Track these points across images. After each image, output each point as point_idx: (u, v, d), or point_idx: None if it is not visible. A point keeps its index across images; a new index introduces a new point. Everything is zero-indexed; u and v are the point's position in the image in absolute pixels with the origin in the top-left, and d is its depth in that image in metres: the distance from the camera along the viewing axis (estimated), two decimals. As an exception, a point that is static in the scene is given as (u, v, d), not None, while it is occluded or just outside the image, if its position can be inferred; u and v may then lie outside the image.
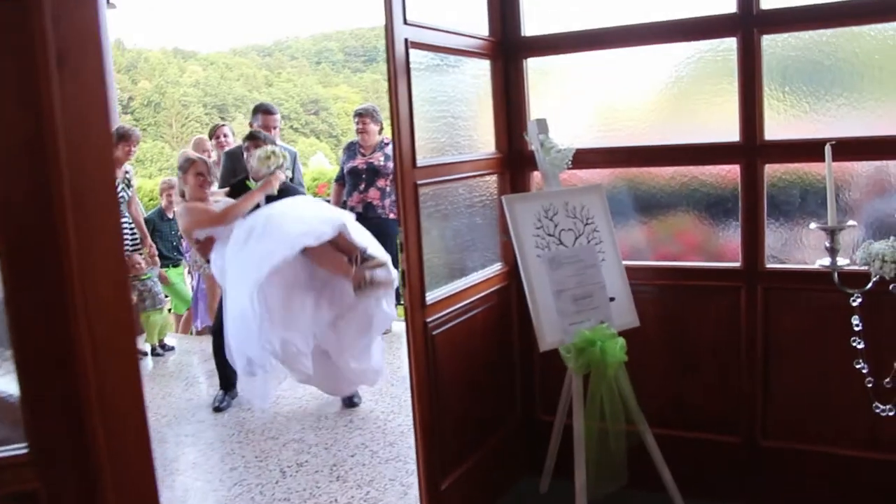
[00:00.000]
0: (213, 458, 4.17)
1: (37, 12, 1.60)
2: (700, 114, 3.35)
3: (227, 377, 4.94)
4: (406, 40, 2.87)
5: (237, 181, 4.92)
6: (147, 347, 6.33)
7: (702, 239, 3.42)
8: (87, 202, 1.69)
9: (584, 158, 3.35)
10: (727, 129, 3.19)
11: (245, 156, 4.84)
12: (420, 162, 2.97)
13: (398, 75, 2.83)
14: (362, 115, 6.11)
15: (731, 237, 3.31)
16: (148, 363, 6.13)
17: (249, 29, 72.51)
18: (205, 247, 4.55)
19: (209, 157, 5.98)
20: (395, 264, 6.05)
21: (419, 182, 2.97)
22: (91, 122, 1.69)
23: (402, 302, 6.16)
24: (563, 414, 3.29)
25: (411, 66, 2.91)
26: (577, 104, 3.58)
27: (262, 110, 5.61)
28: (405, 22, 2.86)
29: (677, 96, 3.36)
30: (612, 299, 3.15)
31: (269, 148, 4.64)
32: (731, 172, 3.25)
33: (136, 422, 1.83)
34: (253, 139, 4.85)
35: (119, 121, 7.03)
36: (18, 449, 1.69)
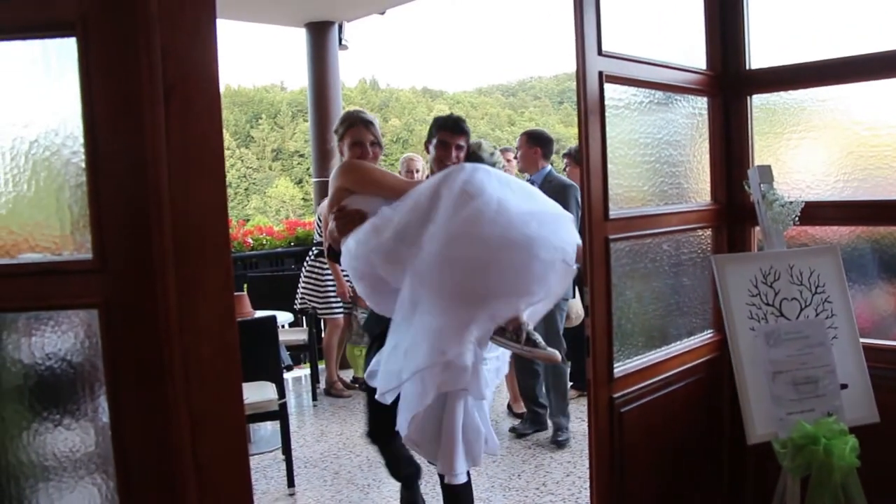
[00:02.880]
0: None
1: (145, 47, 1.48)
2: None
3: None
4: (601, 73, 2.53)
5: None
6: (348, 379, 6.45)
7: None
8: (191, 254, 1.54)
9: (816, 213, 2.83)
10: None
11: None
12: (613, 213, 2.61)
13: (589, 113, 2.51)
14: (567, 156, 5.80)
15: None
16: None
17: (495, 69, 74.83)
18: (348, 222, 2.96)
19: (420, 174, 5.80)
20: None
21: (611, 237, 2.61)
22: (200, 159, 1.55)
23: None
24: (774, 521, 2.73)
25: (607, 103, 2.57)
26: (809, 149, 3.03)
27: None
28: (600, 52, 2.53)
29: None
30: (844, 386, 2.59)
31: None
32: None
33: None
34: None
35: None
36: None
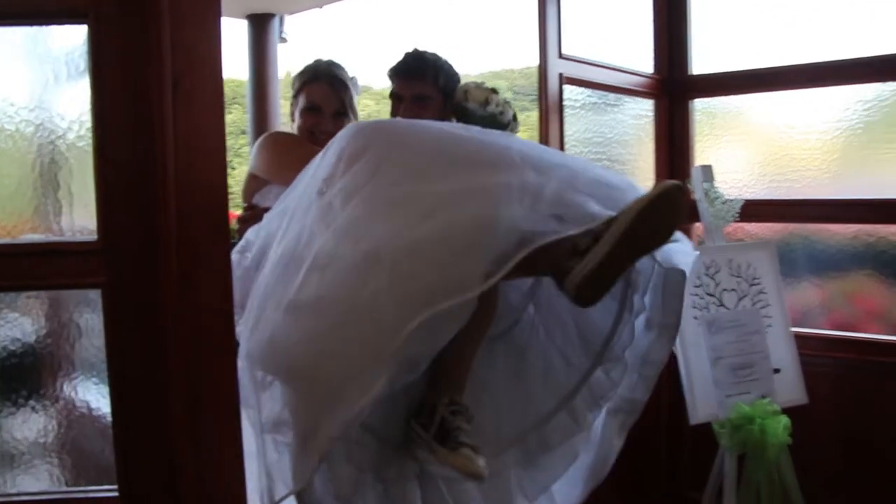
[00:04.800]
0: None
1: (156, 39, 1.54)
2: (890, 165, 2.95)
3: None
4: (560, 75, 2.68)
5: None
6: None
7: (885, 305, 3.00)
8: (193, 232, 1.61)
9: (754, 211, 3.02)
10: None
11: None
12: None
13: (550, 112, 2.66)
14: None
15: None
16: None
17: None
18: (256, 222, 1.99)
19: None
20: None
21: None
22: (204, 147, 1.62)
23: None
24: (712, 497, 2.92)
25: (565, 103, 2.72)
26: (747, 151, 3.25)
27: None
28: (560, 55, 2.68)
29: (866, 144, 2.97)
30: (776, 371, 2.79)
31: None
32: (928, 233, 2.83)
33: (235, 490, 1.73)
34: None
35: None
36: (109, 491, 1.63)
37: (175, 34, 1.55)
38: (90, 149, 1.56)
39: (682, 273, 1.91)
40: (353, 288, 1.54)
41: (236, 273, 1.78)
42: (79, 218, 1.65)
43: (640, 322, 2.01)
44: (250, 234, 1.94)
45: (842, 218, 3.02)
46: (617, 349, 2.01)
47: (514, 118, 2.29)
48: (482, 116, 2.23)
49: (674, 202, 1.60)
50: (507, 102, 2.29)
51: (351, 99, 2.25)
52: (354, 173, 1.67)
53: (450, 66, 2.29)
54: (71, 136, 1.59)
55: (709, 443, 2.86)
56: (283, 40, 7.90)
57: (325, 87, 2.19)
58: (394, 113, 2.27)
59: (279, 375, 1.69)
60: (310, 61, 2.25)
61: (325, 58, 2.27)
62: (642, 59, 3.20)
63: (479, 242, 1.52)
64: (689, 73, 3.25)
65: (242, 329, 1.77)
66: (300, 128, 2.18)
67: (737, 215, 2.91)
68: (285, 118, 3.29)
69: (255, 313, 1.74)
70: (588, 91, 2.89)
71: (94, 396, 1.71)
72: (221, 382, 1.66)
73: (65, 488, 1.65)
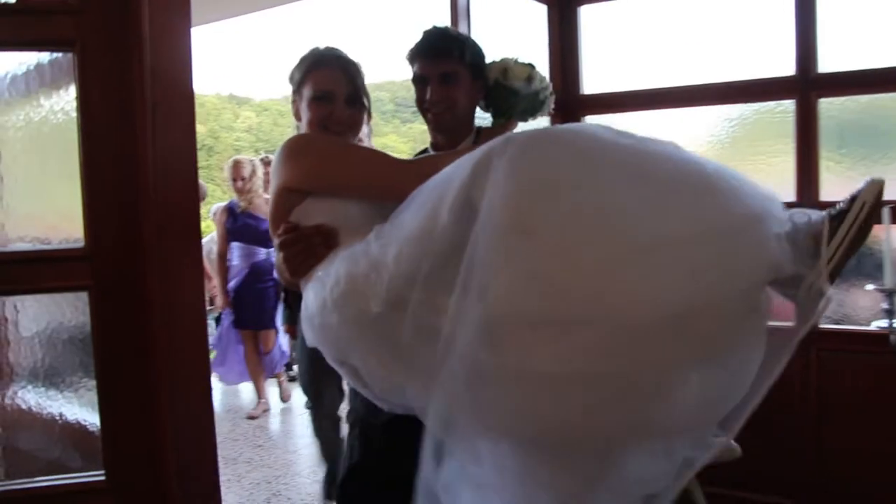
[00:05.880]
0: None
1: (138, 66, 1.73)
2: (757, 173, 3.38)
3: None
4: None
5: None
6: None
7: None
8: (171, 237, 1.80)
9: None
10: (784, 190, 3.22)
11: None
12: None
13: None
14: None
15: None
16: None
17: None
18: (305, 252, 1.70)
19: (247, 180, 5.36)
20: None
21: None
22: (179, 164, 1.82)
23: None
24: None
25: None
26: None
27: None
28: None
29: (734, 156, 3.40)
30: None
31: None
32: (787, 234, 3.27)
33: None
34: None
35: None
36: (96, 476, 1.78)
37: (154, 63, 1.75)
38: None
39: None
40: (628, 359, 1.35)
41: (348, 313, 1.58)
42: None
43: None
44: (343, 265, 1.62)
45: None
46: None
47: (552, 93, 2.13)
48: (526, 95, 2.04)
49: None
50: (544, 78, 2.08)
51: (363, 81, 1.95)
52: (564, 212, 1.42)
53: (474, 42, 2.10)
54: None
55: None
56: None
57: (333, 70, 1.90)
58: (420, 98, 2.04)
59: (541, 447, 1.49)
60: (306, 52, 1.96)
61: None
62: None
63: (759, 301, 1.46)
64: (581, 92, 3.61)
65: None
66: (310, 122, 1.88)
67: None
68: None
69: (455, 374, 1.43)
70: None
71: (34, 398, 1.86)
72: (196, 372, 1.87)
73: (57, 475, 1.79)
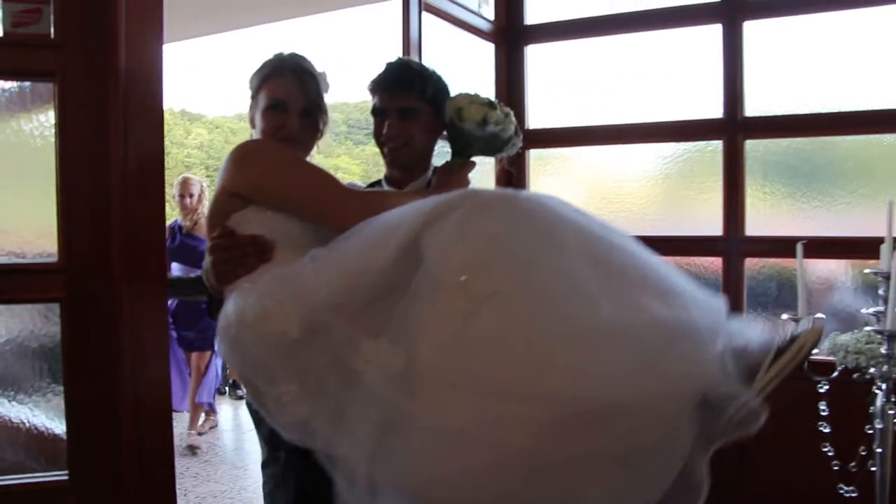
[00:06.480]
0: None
1: (114, 94, 1.87)
2: (687, 208, 3.61)
3: None
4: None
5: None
6: None
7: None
8: (137, 254, 1.92)
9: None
10: (712, 224, 3.44)
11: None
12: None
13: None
14: None
15: (712, 324, 3.52)
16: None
17: (255, 96, 73.37)
18: (236, 260, 1.68)
19: (195, 199, 5.37)
20: None
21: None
22: (148, 185, 1.95)
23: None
24: None
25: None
26: (573, 193, 3.84)
27: None
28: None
29: (666, 191, 3.62)
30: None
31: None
32: (713, 264, 3.49)
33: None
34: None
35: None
36: (60, 475, 1.89)
37: (127, 91, 1.88)
38: None
39: None
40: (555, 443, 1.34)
41: (266, 341, 1.55)
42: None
43: None
44: (271, 283, 1.61)
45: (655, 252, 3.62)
46: None
47: (517, 132, 1.98)
48: (480, 137, 1.91)
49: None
50: (507, 115, 1.93)
51: (320, 95, 1.92)
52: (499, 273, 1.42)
53: (438, 77, 2.04)
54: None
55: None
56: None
57: (290, 80, 1.86)
58: (377, 131, 2.01)
59: None
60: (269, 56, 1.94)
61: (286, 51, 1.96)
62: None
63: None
64: (527, 127, 3.80)
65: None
66: (263, 131, 1.86)
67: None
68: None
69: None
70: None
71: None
72: (157, 380, 1.99)
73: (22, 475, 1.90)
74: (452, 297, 1.39)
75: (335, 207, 1.70)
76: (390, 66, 2.03)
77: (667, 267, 1.58)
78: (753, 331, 1.55)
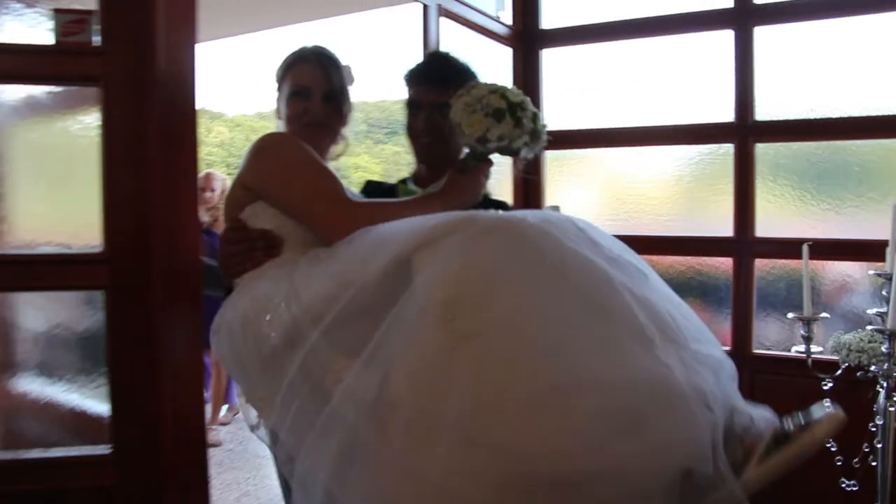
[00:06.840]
0: None
1: (155, 101, 1.98)
2: (699, 210, 3.68)
3: None
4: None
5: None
6: None
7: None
8: (176, 244, 2.04)
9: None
10: (723, 225, 3.51)
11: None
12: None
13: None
14: None
15: (722, 323, 3.59)
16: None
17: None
18: (243, 254, 1.74)
19: (216, 194, 5.45)
20: None
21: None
22: (183, 182, 2.06)
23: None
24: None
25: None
26: (590, 194, 3.94)
27: None
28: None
29: (679, 192, 3.70)
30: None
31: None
32: (724, 264, 3.56)
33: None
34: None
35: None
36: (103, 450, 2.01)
37: (164, 95, 2.00)
38: None
39: None
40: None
41: (252, 346, 1.55)
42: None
43: None
44: (266, 283, 1.61)
45: (661, 251, 3.71)
46: None
47: (535, 133, 1.75)
48: (482, 153, 1.77)
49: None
50: (518, 125, 1.68)
51: (343, 82, 1.91)
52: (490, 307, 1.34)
53: (475, 75, 1.99)
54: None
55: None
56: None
57: (312, 66, 1.87)
58: (410, 124, 1.97)
59: None
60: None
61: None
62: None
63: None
64: (543, 132, 3.89)
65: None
66: (288, 118, 1.88)
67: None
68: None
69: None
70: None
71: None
72: (190, 362, 2.10)
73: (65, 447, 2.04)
74: (435, 328, 1.32)
75: (322, 220, 1.67)
76: (430, 59, 2.02)
77: (679, 307, 1.47)
78: (760, 410, 1.43)
